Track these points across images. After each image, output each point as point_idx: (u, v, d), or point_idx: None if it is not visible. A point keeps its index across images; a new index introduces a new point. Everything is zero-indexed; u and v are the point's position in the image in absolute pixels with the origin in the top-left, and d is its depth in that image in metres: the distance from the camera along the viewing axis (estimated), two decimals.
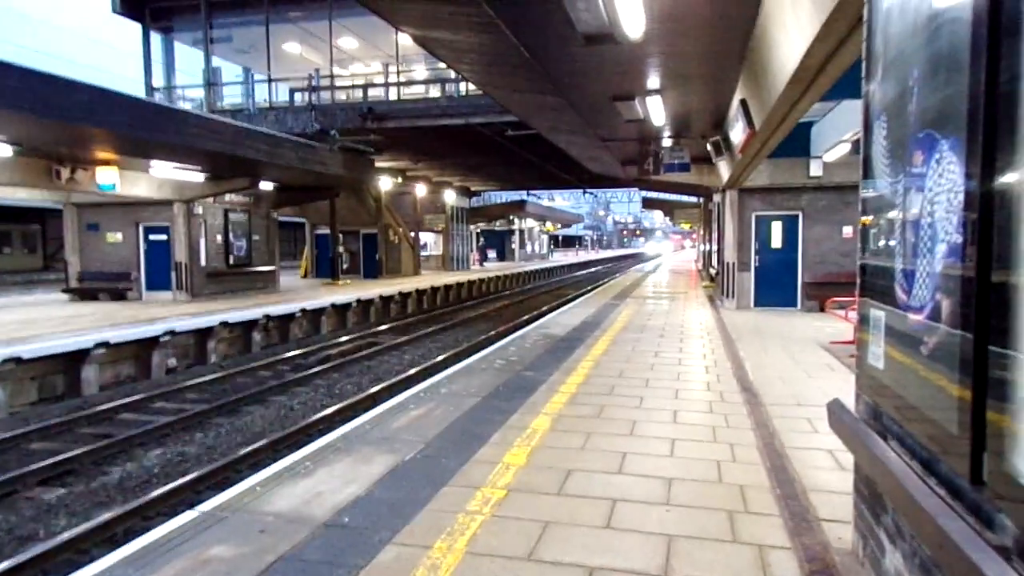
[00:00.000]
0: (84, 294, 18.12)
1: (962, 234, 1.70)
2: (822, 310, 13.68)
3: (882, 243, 2.47)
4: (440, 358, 12.87)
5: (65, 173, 14.34)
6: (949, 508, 1.72)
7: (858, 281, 2.82)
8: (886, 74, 2.39)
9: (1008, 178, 1.47)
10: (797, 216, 14.62)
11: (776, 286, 14.76)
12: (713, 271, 21.01)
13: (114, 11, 21.14)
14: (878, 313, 2.53)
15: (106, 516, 5.52)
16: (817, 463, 4.56)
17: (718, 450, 4.86)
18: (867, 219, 2.69)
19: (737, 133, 9.99)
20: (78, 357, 10.65)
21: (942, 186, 1.82)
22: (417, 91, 21.45)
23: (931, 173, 1.90)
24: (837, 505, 3.75)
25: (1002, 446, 1.51)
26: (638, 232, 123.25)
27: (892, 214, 2.33)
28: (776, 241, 14.79)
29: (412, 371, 11.64)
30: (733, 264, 15.15)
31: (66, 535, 5.18)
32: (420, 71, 22.23)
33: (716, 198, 18.31)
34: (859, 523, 3.02)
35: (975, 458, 1.65)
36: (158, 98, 21.74)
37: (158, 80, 22.49)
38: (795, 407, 6.14)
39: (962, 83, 1.68)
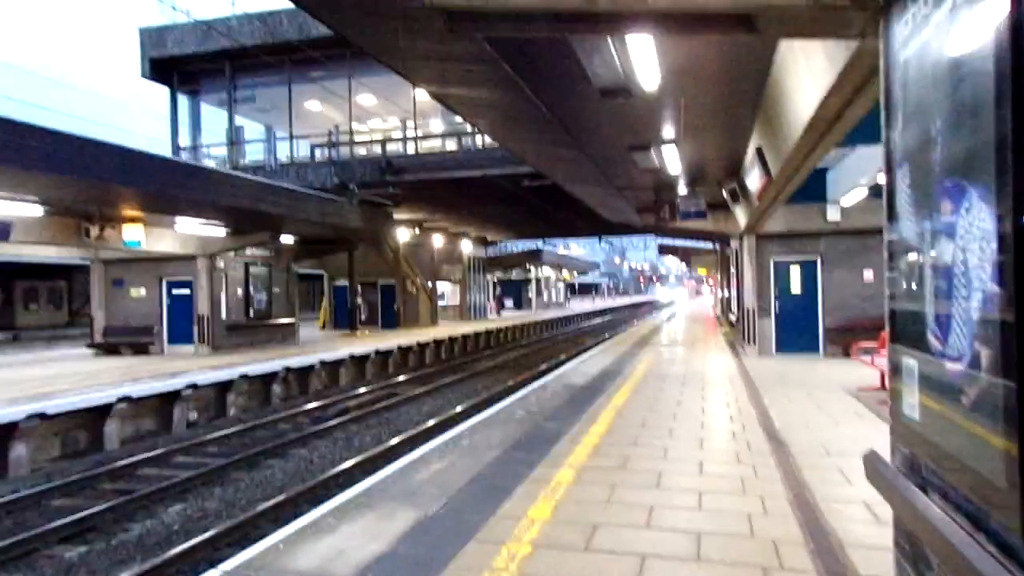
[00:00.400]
0: (108, 349, 18.34)
1: (997, 281, 1.68)
2: (846, 355, 13.46)
3: (913, 289, 2.45)
4: (460, 409, 12.77)
5: (94, 231, 14.72)
6: (1002, 567, 1.66)
7: (888, 328, 2.78)
8: (907, 123, 2.41)
9: None
10: (816, 261, 14.55)
11: (797, 332, 14.59)
12: (732, 317, 20.84)
13: (143, 76, 21.99)
14: (911, 361, 2.48)
15: (127, 575, 5.46)
16: (852, 516, 4.42)
17: (748, 502, 4.73)
18: (895, 264, 2.67)
19: (753, 180, 10.06)
20: (101, 412, 10.71)
21: (973, 232, 1.81)
22: (434, 144, 21.91)
23: (961, 220, 1.89)
24: (876, 561, 3.62)
25: None
26: (655, 278, 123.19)
27: (922, 260, 2.32)
28: (796, 287, 14.70)
29: (431, 423, 11.55)
30: (753, 310, 15.03)
31: None
32: (437, 125, 22.74)
33: (733, 244, 18.31)
34: None
35: None
36: (184, 156, 22.40)
37: (184, 139, 23.22)
38: (825, 456, 5.99)
39: (989, 131, 1.69)
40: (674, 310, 48.23)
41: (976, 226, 1.78)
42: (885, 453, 2.96)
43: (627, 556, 3.81)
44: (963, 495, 2.02)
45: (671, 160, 11.10)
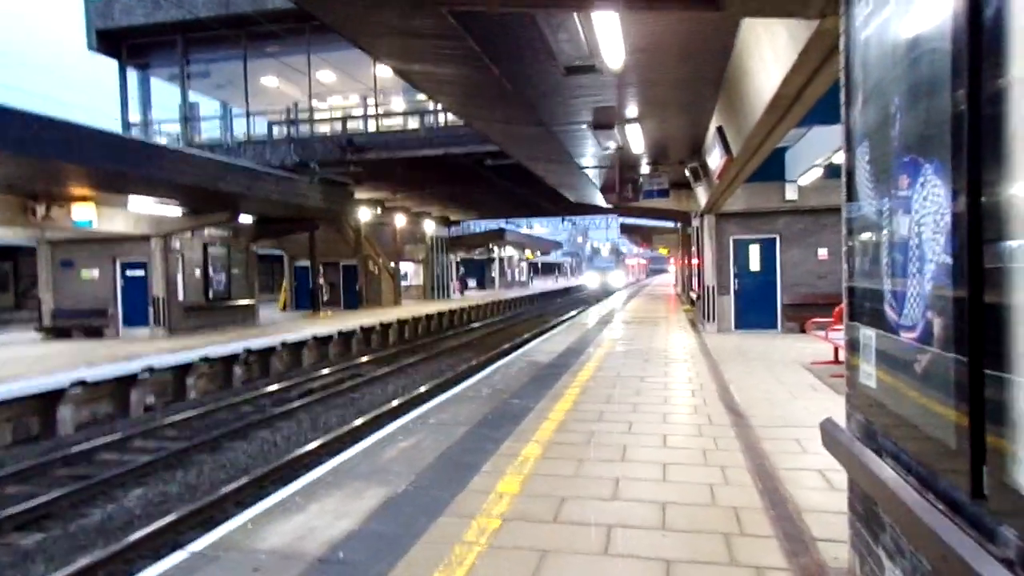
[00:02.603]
0: (58, 332, 17.76)
1: (951, 255, 1.75)
2: (802, 331, 13.84)
3: (870, 263, 2.53)
4: (425, 388, 12.77)
5: (40, 210, 14.19)
6: (951, 523, 1.75)
7: (845, 302, 2.87)
8: (867, 101, 2.47)
9: (994, 198, 1.53)
10: (774, 239, 14.87)
11: (756, 309, 14.94)
12: (693, 295, 21.21)
13: (90, 49, 21.10)
14: (868, 333, 2.58)
15: (87, 560, 5.36)
16: (808, 483, 4.59)
17: (710, 473, 4.87)
18: (853, 241, 2.75)
19: (715, 159, 10.19)
20: (53, 397, 10.40)
21: (928, 208, 1.88)
22: (396, 122, 21.61)
23: (917, 196, 1.96)
24: (831, 525, 3.77)
25: (1001, 460, 1.55)
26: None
27: (878, 236, 2.40)
28: (754, 264, 15.02)
29: (397, 402, 11.54)
30: (713, 288, 15.32)
31: None
32: (399, 103, 22.41)
33: (694, 223, 18.57)
34: (855, 542, 3.04)
35: (975, 473, 1.68)
36: (135, 133, 21.65)
37: (135, 115, 22.42)
38: (782, 428, 6.18)
39: (944, 108, 1.75)
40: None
41: (931, 200, 1.85)
42: (840, 422, 3.08)
43: (595, 527, 3.90)
44: (916, 458, 2.12)
45: (634, 139, 11.17)
